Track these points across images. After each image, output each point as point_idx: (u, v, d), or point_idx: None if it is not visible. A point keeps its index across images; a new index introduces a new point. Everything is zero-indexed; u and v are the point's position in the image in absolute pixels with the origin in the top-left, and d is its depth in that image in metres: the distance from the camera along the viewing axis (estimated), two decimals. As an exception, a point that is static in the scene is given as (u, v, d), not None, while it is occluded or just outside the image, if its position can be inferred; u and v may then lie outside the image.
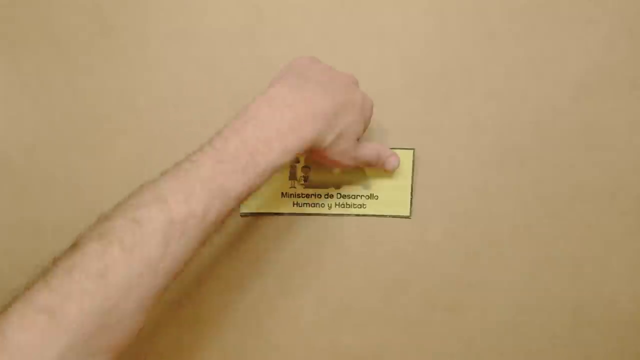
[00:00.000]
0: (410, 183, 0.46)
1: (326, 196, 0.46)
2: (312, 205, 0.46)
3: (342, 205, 0.46)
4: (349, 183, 0.46)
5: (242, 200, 0.33)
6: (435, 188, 0.46)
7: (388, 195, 0.46)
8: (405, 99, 0.46)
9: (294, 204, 0.46)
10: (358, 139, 0.39)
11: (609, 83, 0.45)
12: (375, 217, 0.46)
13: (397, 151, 0.45)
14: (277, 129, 0.33)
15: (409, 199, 0.46)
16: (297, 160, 0.46)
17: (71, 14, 0.47)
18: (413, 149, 0.45)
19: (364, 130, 0.40)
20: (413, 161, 0.45)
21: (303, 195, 0.46)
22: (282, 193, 0.46)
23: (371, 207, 0.46)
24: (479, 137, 0.46)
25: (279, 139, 0.33)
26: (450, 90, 0.46)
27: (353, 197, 0.46)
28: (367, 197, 0.46)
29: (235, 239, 0.47)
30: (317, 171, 0.46)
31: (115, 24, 0.47)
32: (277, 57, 0.46)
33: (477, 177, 0.46)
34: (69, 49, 0.47)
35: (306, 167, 0.46)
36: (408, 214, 0.46)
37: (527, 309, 0.46)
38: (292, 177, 0.46)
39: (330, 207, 0.46)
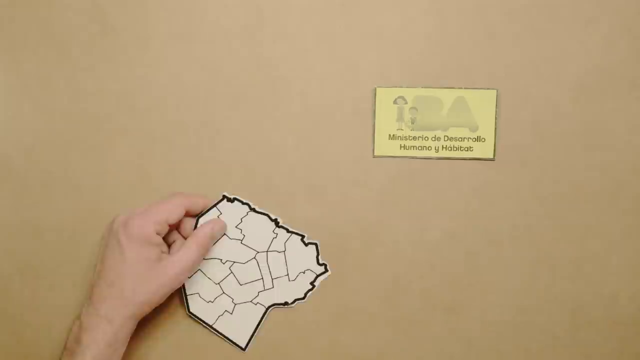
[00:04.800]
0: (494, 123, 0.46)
1: (433, 139, 0.46)
2: (419, 148, 0.46)
3: (449, 149, 0.46)
4: (457, 125, 0.46)
5: None
6: (435, 187, 0.46)
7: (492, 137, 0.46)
8: (405, 99, 0.46)
9: (401, 147, 0.46)
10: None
11: (609, 83, 0.45)
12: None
13: (479, 91, 0.45)
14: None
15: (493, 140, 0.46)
16: (405, 102, 0.46)
17: (71, 14, 0.47)
18: (496, 89, 0.46)
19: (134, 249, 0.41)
20: (496, 102, 0.45)
21: (410, 138, 0.46)
22: (390, 135, 0.46)
23: (478, 150, 0.46)
24: (479, 137, 0.46)
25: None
26: (450, 90, 0.46)
27: (460, 139, 0.46)
28: (474, 139, 0.46)
29: (235, 239, 0.47)
30: (424, 113, 0.46)
31: (116, 24, 0.47)
32: (277, 57, 0.47)
33: (477, 177, 0.46)
34: (70, 49, 0.47)
35: (413, 109, 0.46)
36: (492, 156, 0.46)
37: (526, 309, 0.46)
38: (400, 118, 0.46)
39: (438, 150, 0.46)
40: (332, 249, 0.47)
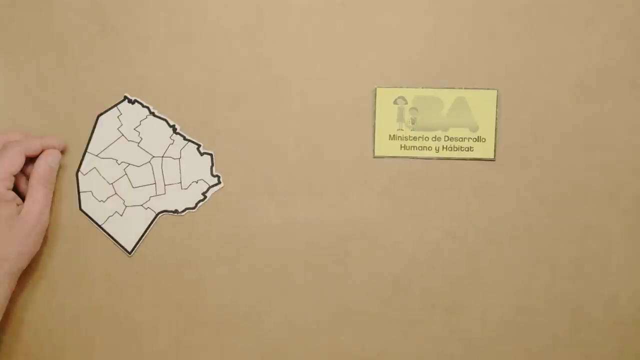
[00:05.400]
0: (494, 123, 0.46)
1: (434, 139, 0.46)
2: (420, 148, 0.46)
3: (450, 149, 0.46)
4: (457, 125, 0.46)
5: None
6: (436, 188, 0.46)
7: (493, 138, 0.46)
8: (405, 99, 0.46)
9: (401, 147, 0.46)
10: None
11: (609, 83, 0.45)
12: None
13: (479, 91, 0.45)
14: None
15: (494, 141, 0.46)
16: (406, 102, 0.46)
17: (71, 14, 0.47)
18: (496, 89, 0.46)
19: None
20: (496, 102, 0.46)
21: (410, 138, 0.46)
22: (390, 135, 0.46)
23: (478, 150, 0.46)
24: (479, 137, 0.46)
25: None
26: (450, 91, 0.46)
27: (460, 139, 0.46)
28: (474, 139, 0.46)
29: (234, 237, 0.47)
30: (424, 113, 0.46)
31: (116, 24, 0.47)
32: (277, 57, 0.47)
33: (477, 177, 0.46)
34: (70, 49, 0.47)
35: (414, 109, 0.46)
36: (492, 156, 0.46)
37: (526, 309, 0.46)
38: (400, 119, 0.46)
39: (438, 150, 0.46)
40: (332, 250, 0.47)
